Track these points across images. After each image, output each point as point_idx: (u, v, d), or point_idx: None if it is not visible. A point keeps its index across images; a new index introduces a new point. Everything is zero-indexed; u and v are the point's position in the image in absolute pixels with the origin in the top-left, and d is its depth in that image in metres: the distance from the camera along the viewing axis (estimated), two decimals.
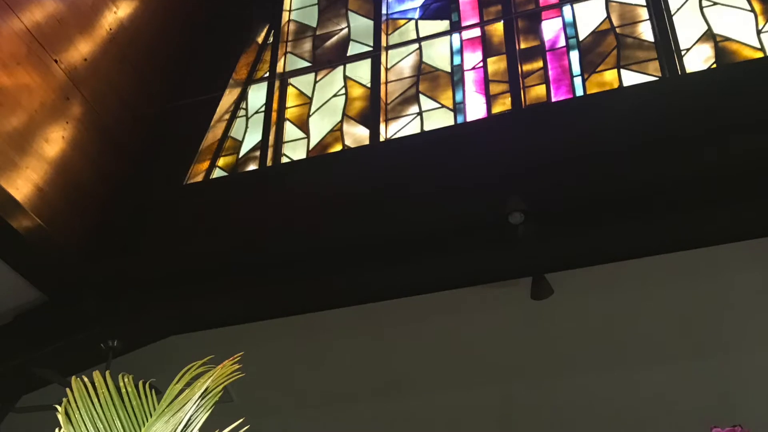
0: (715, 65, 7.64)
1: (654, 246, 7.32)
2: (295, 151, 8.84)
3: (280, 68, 9.59)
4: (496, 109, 8.24)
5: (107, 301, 8.06)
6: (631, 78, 7.91)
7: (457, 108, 8.44)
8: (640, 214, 7.03)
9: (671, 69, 7.65)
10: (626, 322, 7.93)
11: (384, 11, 9.50)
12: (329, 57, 9.56)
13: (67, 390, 2.18)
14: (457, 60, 8.84)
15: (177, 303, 8.09)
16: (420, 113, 8.56)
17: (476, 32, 8.98)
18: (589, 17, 8.52)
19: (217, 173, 8.93)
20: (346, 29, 9.69)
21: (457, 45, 8.97)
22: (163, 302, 8.07)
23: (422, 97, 8.69)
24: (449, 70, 8.81)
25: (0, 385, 8.46)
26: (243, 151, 9.03)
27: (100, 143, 8.46)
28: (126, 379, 2.22)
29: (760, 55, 7.51)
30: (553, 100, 8.08)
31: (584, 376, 8.27)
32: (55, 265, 7.99)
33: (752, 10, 7.80)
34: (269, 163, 8.72)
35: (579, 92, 8.02)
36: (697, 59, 7.76)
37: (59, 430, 2.04)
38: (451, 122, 8.34)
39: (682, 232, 7.27)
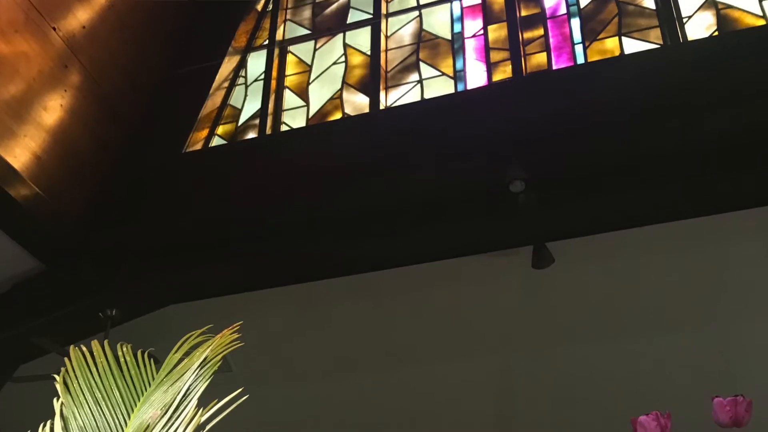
0: (716, 33, 7.60)
1: (655, 215, 7.30)
2: (294, 119, 8.80)
3: (279, 36, 9.54)
4: (497, 77, 8.19)
5: (106, 270, 8.05)
6: (632, 46, 7.86)
7: (458, 76, 8.39)
8: (641, 182, 7.01)
9: (673, 37, 7.60)
10: (627, 291, 7.92)
11: None
12: (329, 24, 9.51)
13: (66, 359, 2.17)
14: (457, 28, 8.78)
15: (176, 272, 8.07)
16: (420, 81, 8.51)
17: None
18: None
19: (216, 141, 8.89)
20: None
21: (457, 12, 8.91)
22: (162, 271, 8.06)
23: (422, 65, 8.65)
24: (449, 37, 8.76)
25: None
26: (242, 119, 9.00)
27: (98, 111, 8.42)
28: (125, 349, 2.21)
29: (762, 22, 7.45)
30: (554, 68, 8.03)
31: (585, 346, 8.28)
32: (54, 234, 7.97)
33: None
34: (269, 131, 8.69)
35: (580, 60, 7.97)
36: (699, 27, 7.71)
37: (57, 399, 2.02)
38: (452, 90, 8.30)
39: (684, 201, 7.24)
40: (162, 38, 9.37)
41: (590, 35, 8.10)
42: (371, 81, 8.62)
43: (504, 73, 8.16)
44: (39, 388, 6.52)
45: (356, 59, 8.99)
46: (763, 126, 6.64)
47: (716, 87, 6.87)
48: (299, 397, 9.09)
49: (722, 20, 7.66)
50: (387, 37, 9.00)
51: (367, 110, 8.42)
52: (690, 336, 7.95)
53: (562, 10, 8.40)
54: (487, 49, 8.43)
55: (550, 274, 7.49)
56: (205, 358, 2.06)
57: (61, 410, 1.98)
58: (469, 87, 8.24)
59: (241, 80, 9.38)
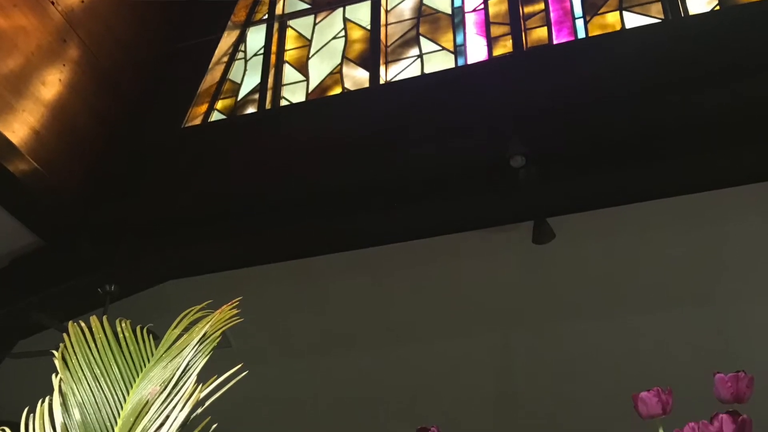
0: (718, 7, 7.56)
1: (656, 190, 7.28)
2: (294, 93, 8.77)
3: (279, 10, 9.50)
4: (497, 51, 8.16)
5: (105, 246, 8.04)
6: (633, 20, 7.83)
7: (458, 50, 8.36)
8: (641, 157, 6.98)
9: (674, 11, 7.57)
10: (627, 267, 7.93)
11: None
12: None
13: (64, 335, 2.16)
14: (457, 2, 8.74)
15: (175, 248, 8.06)
16: (420, 56, 8.48)
17: None
18: None
19: (216, 116, 8.87)
20: None
21: None
22: (162, 247, 8.05)
23: (423, 40, 8.61)
24: (450, 12, 8.72)
25: None
26: (242, 93, 8.98)
27: (97, 86, 8.39)
28: (124, 324, 2.20)
29: None
30: (555, 42, 8.00)
31: (585, 322, 8.29)
32: (52, 209, 7.95)
33: None
34: (268, 105, 8.67)
35: (581, 34, 7.94)
36: (700, 1, 7.67)
37: (56, 375, 2.02)
38: (452, 65, 8.27)
39: (684, 177, 7.22)
40: (161, 12, 9.31)
41: (591, 9, 8.06)
42: (371, 55, 8.59)
43: (504, 47, 8.13)
44: (37, 364, 6.53)
45: (356, 34, 8.96)
46: (764, 101, 6.62)
47: (717, 61, 6.85)
48: (298, 372, 9.12)
49: None
50: (387, 12, 8.96)
51: (367, 85, 8.40)
52: (690, 312, 7.96)
53: None
54: (487, 24, 8.39)
55: (550, 250, 7.49)
56: (204, 334, 2.05)
57: (60, 386, 1.97)
58: (469, 62, 8.21)
59: (240, 55, 9.35)
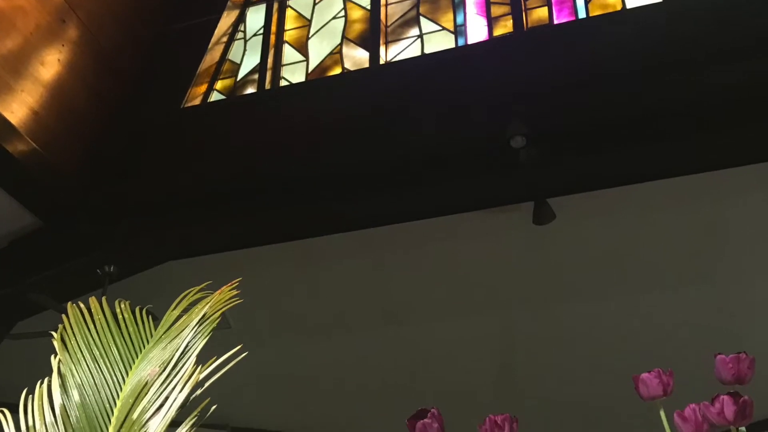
0: None
1: (656, 171, 7.27)
2: (294, 74, 8.74)
3: None
4: (498, 31, 8.11)
5: (104, 227, 8.03)
6: (634, 0, 7.79)
7: (458, 30, 8.32)
8: (642, 138, 6.97)
9: None
10: (628, 247, 7.93)
11: None
12: None
13: (63, 316, 2.15)
14: None
15: (174, 228, 8.06)
16: (420, 36, 8.44)
17: None
18: None
19: (215, 96, 8.84)
20: None
21: None
22: (161, 227, 8.04)
23: (423, 20, 8.57)
24: None
25: None
26: (241, 74, 8.94)
27: (96, 66, 8.36)
28: (123, 305, 2.19)
29: None
30: (555, 22, 7.96)
31: (586, 303, 8.30)
32: (51, 190, 7.93)
33: None
34: (268, 86, 8.63)
35: (581, 14, 7.89)
36: None
37: (55, 356, 2.01)
38: (452, 45, 8.23)
39: (686, 156, 7.20)
40: None
41: None
42: (371, 36, 8.55)
43: (505, 27, 8.09)
44: (36, 345, 6.53)
45: (356, 13, 8.91)
46: (766, 80, 6.60)
47: (718, 41, 6.81)
48: (298, 353, 9.13)
49: None
50: None
51: (367, 65, 8.36)
52: (691, 291, 7.96)
53: None
54: (487, 4, 8.34)
55: (551, 231, 7.49)
56: (203, 315, 2.05)
57: (59, 367, 1.96)
58: (469, 42, 8.17)
59: (240, 35, 9.30)
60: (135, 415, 1.79)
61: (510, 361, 9.08)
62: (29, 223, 8.17)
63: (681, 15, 7.31)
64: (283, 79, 8.72)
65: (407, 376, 8.99)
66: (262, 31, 9.11)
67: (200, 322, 2.03)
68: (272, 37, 9.00)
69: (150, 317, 2.19)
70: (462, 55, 8.05)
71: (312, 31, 9.01)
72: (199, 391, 1.83)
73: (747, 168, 7.09)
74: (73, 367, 1.97)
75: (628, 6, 7.76)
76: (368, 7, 8.79)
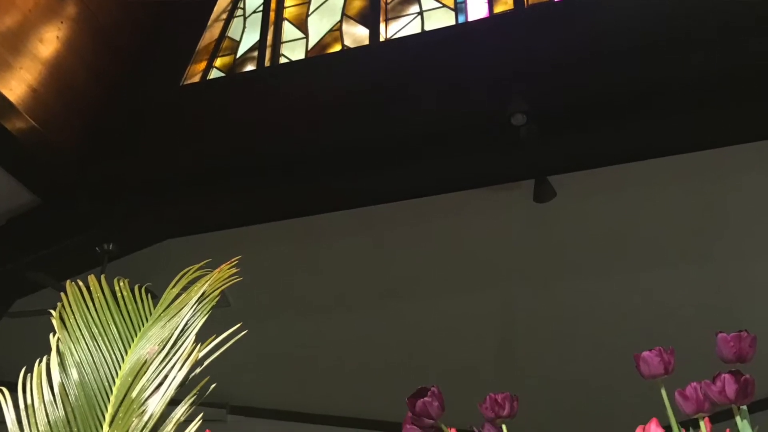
0: None
1: (658, 148, 7.26)
2: (293, 51, 8.71)
3: None
4: (498, 8, 8.08)
5: (103, 204, 8.02)
6: None
7: (458, 7, 8.28)
8: (644, 114, 6.95)
9: None
10: (630, 225, 7.92)
11: None
12: None
13: (62, 294, 2.14)
14: None
15: (174, 206, 8.05)
16: (421, 12, 8.40)
17: None
18: None
19: (215, 74, 8.82)
20: None
21: None
22: (160, 205, 8.03)
23: None
24: None
25: None
26: (240, 51, 8.91)
27: (95, 43, 8.33)
28: (122, 283, 2.18)
29: None
30: None
31: (587, 280, 8.30)
32: (50, 168, 7.92)
33: None
34: (267, 63, 8.60)
35: None
36: None
37: (54, 335, 2.00)
38: (452, 22, 8.19)
39: (688, 133, 7.19)
40: None
41: None
42: (371, 12, 8.50)
43: (505, 4, 8.04)
44: (35, 323, 6.53)
45: None
46: (766, 58, 6.58)
47: (720, 18, 6.78)
48: (298, 331, 9.13)
49: None
50: None
51: (366, 42, 8.33)
52: (693, 270, 7.96)
53: None
54: None
55: (551, 208, 7.47)
56: (203, 293, 2.03)
57: (58, 346, 1.95)
58: (469, 19, 8.14)
59: (239, 12, 9.26)
60: (134, 394, 1.78)
61: (510, 339, 9.09)
62: (27, 200, 8.15)
63: None
64: (282, 57, 8.69)
65: (407, 353, 9.00)
66: (261, 8, 9.07)
67: (199, 301, 2.02)
68: (272, 14, 8.96)
69: (149, 295, 2.18)
70: (462, 32, 8.03)
71: (312, 8, 8.97)
72: (198, 370, 1.82)
73: (749, 146, 7.07)
74: (72, 346, 1.96)
75: None
76: None
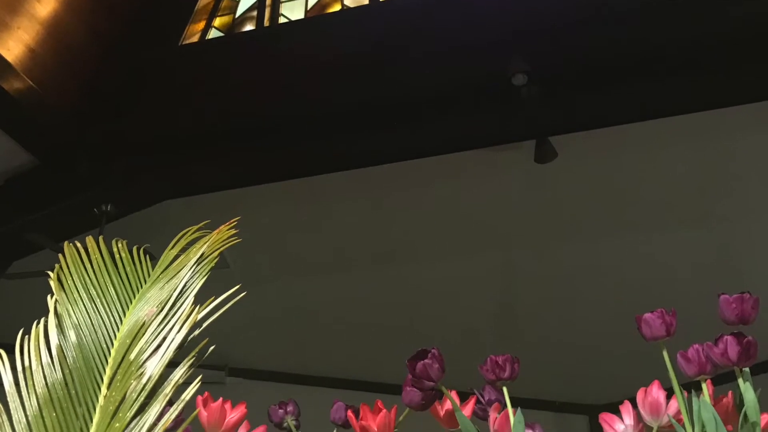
0: None
1: (659, 109, 7.23)
2: (292, 11, 8.65)
3: None
4: None
5: (101, 165, 7.99)
6: None
7: None
8: (645, 76, 6.92)
9: None
10: (631, 186, 7.91)
11: None
12: None
13: (60, 255, 2.12)
14: None
15: (172, 167, 8.02)
16: None
17: None
18: None
19: (214, 34, 8.76)
20: None
21: None
22: (159, 166, 8.01)
23: None
24: None
25: None
26: (239, 11, 8.85)
27: (93, 3, 8.28)
28: (120, 245, 2.16)
29: None
30: None
31: (588, 242, 8.29)
32: (48, 128, 7.88)
33: None
34: (266, 23, 8.56)
35: None
36: None
37: (51, 296, 1.98)
38: None
39: (688, 95, 7.16)
40: None
41: None
42: None
43: None
44: (32, 284, 6.52)
45: None
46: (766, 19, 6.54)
47: None
48: (298, 293, 9.14)
49: None
50: None
51: (366, 2, 8.28)
52: (695, 231, 7.96)
53: None
54: None
55: (552, 169, 7.45)
56: (201, 255, 2.02)
57: (55, 307, 1.94)
58: None
59: None
60: (132, 356, 1.77)
61: (510, 301, 9.10)
62: (26, 161, 8.12)
63: None
64: (282, 16, 8.64)
65: (407, 316, 9.01)
66: None
67: (198, 262, 2.00)
68: None
69: (147, 257, 2.16)
70: None
71: None
72: (197, 332, 1.81)
73: (750, 106, 7.04)
74: (70, 307, 1.94)
75: None
76: None
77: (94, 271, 2.06)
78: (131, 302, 1.99)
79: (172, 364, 1.72)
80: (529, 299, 8.95)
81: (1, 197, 8.21)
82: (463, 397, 2.16)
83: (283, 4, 8.71)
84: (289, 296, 9.14)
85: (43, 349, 1.81)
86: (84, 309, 1.95)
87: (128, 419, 1.62)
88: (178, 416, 1.62)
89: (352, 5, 8.38)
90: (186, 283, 1.96)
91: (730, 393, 2.05)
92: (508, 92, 6.90)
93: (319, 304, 9.20)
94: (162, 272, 2.06)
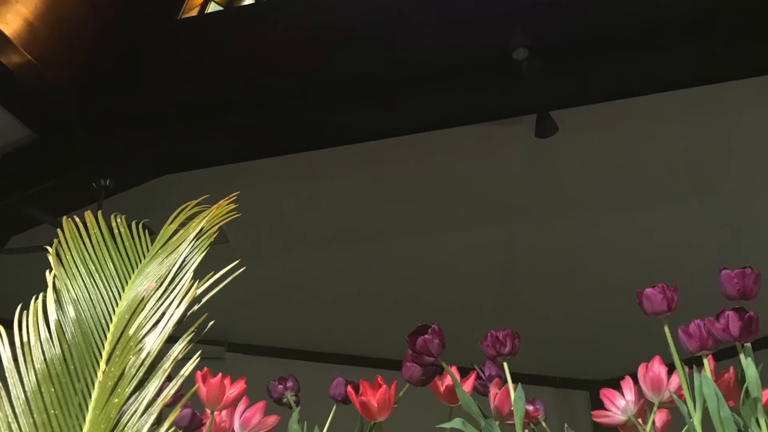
0: None
1: (661, 83, 7.20)
2: None
3: None
4: None
5: (100, 139, 7.97)
6: None
7: None
8: (646, 50, 6.89)
9: None
10: (633, 161, 7.89)
11: None
12: None
13: (58, 230, 2.11)
14: None
15: (171, 141, 7.99)
16: None
17: None
18: None
19: (213, 8, 8.71)
20: None
21: None
22: (158, 140, 7.98)
23: None
24: None
25: None
26: None
27: None
28: (119, 220, 2.15)
29: None
30: None
31: (589, 217, 8.29)
32: (47, 103, 7.85)
33: None
34: None
35: None
36: None
37: (50, 271, 1.97)
38: None
39: (690, 69, 7.13)
40: None
41: None
42: None
43: None
44: (31, 259, 6.52)
45: None
46: None
47: None
48: (298, 268, 9.14)
49: None
50: None
51: None
52: (697, 206, 7.95)
53: None
54: None
55: (553, 144, 7.43)
56: (201, 230, 2.01)
57: (54, 283, 1.93)
58: None
59: None
60: (131, 331, 1.76)
61: (511, 276, 9.11)
62: (24, 136, 8.09)
63: None
64: None
65: (407, 291, 9.02)
66: None
67: (197, 237, 1.99)
68: None
69: (146, 232, 2.16)
70: None
71: None
72: (196, 307, 1.80)
73: (752, 80, 7.01)
74: (69, 282, 1.94)
75: None
76: None
77: (93, 246, 2.06)
78: (130, 277, 1.98)
79: (171, 340, 1.72)
80: (530, 274, 8.95)
81: None
82: (464, 373, 2.16)
83: None
84: (289, 271, 9.14)
85: (41, 325, 1.81)
86: (83, 284, 1.94)
87: (127, 395, 1.61)
88: (177, 392, 1.62)
89: None
90: (185, 258, 1.96)
91: (731, 368, 2.05)
92: (509, 66, 6.88)
93: (318, 279, 9.20)
94: (161, 247, 2.06)
